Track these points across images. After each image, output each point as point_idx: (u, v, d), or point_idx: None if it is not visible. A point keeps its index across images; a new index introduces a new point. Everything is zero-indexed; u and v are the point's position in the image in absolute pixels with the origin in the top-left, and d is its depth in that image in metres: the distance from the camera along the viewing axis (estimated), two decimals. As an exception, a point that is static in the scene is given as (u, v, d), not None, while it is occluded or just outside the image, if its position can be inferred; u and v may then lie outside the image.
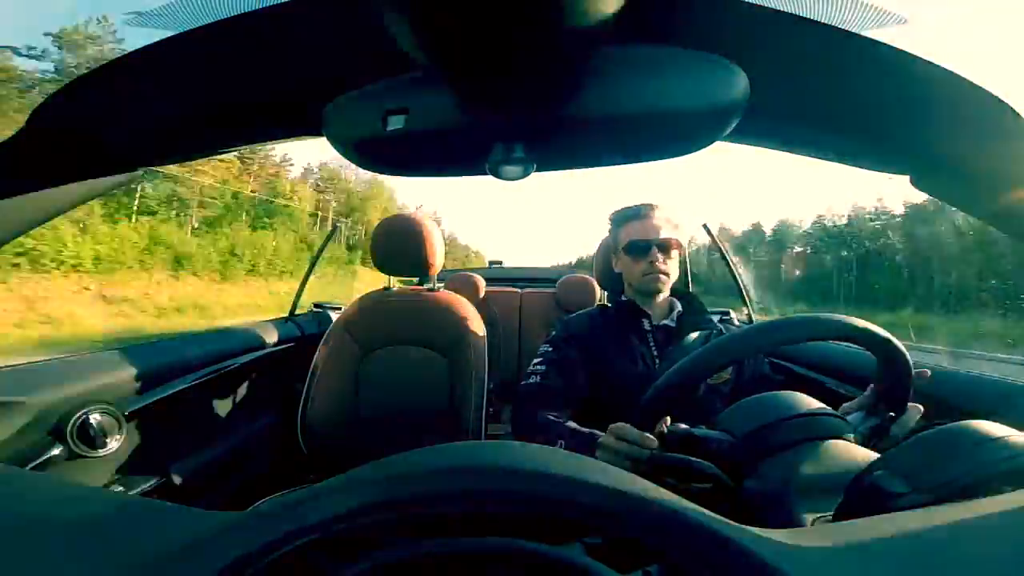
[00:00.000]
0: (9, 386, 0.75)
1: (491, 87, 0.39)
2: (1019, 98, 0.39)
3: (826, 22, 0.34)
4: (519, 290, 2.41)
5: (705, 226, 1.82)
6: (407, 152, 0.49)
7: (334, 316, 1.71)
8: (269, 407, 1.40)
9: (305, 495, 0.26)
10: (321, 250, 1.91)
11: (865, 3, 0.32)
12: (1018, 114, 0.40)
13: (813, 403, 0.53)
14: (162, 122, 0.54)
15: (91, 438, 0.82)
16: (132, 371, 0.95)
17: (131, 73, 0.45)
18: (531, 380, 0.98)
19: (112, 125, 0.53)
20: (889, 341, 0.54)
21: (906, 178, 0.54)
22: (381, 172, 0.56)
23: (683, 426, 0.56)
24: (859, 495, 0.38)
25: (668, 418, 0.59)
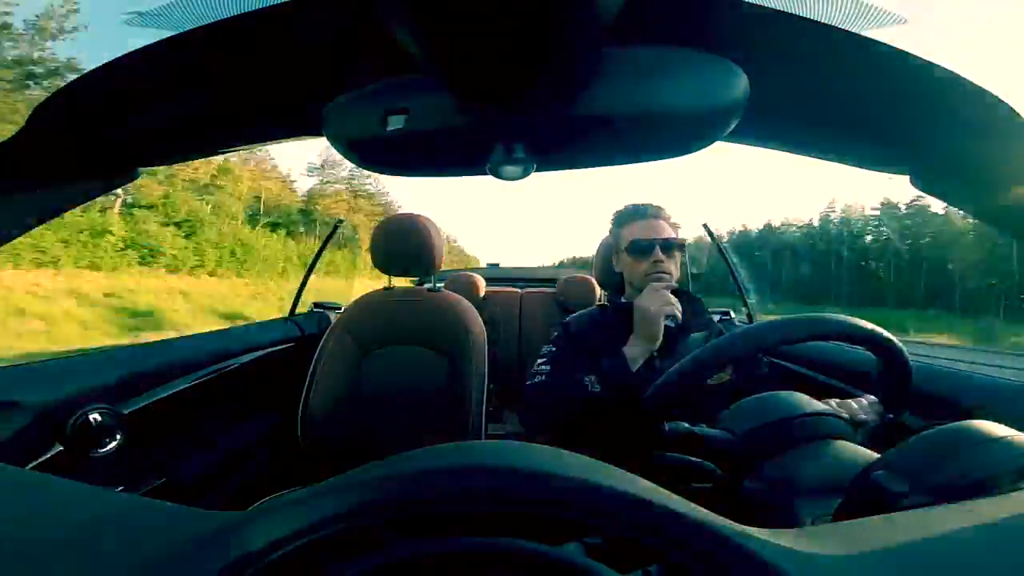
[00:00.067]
0: (8, 386, 0.75)
1: (491, 87, 0.39)
2: (1019, 98, 0.39)
3: (826, 22, 0.34)
4: (519, 290, 2.41)
5: (705, 226, 1.82)
6: (407, 152, 0.49)
7: (334, 316, 1.71)
8: (269, 407, 1.40)
9: (305, 495, 0.26)
10: (322, 249, 1.91)
11: (865, 3, 0.32)
12: (1018, 114, 0.40)
13: (814, 403, 0.53)
14: (162, 122, 0.54)
15: (91, 438, 0.82)
16: (132, 371, 0.95)
17: (131, 73, 0.45)
18: (536, 380, 0.98)
19: (112, 125, 0.53)
20: (890, 341, 0.54)
21: (906, 178, 0.54)
22: (381, 172, 0.55)
23: (684, 425, 0.56)
24: (859, 495, 0.38)
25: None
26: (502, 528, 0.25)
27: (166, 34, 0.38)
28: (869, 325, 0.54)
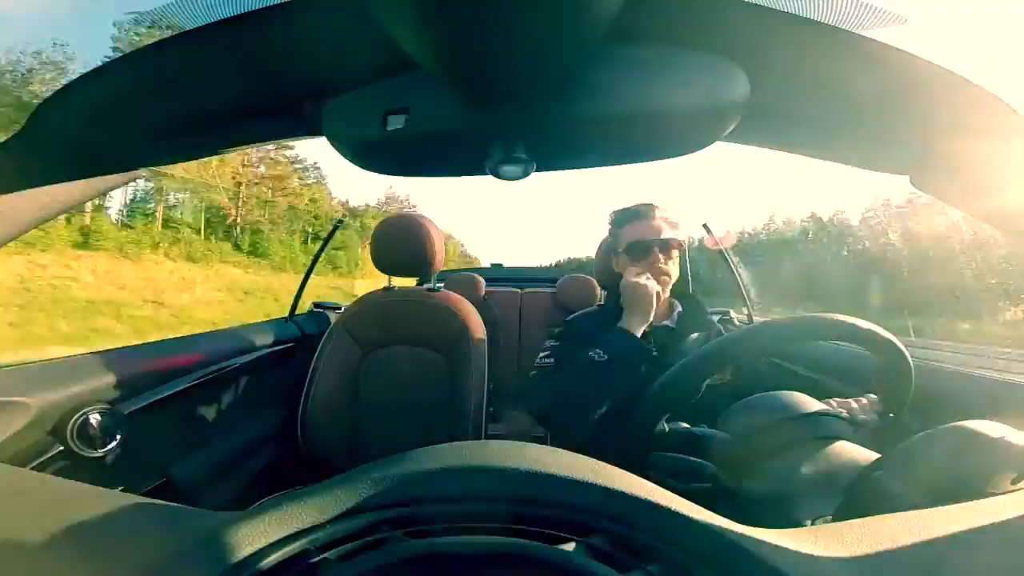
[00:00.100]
0: (9, 386, 0.75)
1: (491, 87, 0.39)
2: (1019, 98, 0.39)
3: (826, 22, 0.34)
4: (519, 290, 2.41)
5: (705, 226, 1.82)
6: (407, 152, 0.49)
7: (334, 316, 1.71)
8: (269, 407, 1.40)
9: (305, 495, 0.26)
10: (322, 249, 1.91)
11: (865, 3, 0.32)
12: (1018, 114, 0.40)
13: (813, 403, 0.53)
14: (162, 122, 0.54)
15: (91, 438, 0.82)
16: (132, 371, 0.95)
17: (131, 73, 0.45)
18: (539, 371, 0.99)
19: (112, 125, 0.53)
20: (890, 342, 0.54)
21: (906, 178, 0.54)
22: (381, 172, 0.55)
23: (684, 425, 0.56)
24: (859, 495, 0.38)
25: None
26: (502, 528, 0.25)
27: (166, 34, 0.38)
28: (870, 325, 0.54)
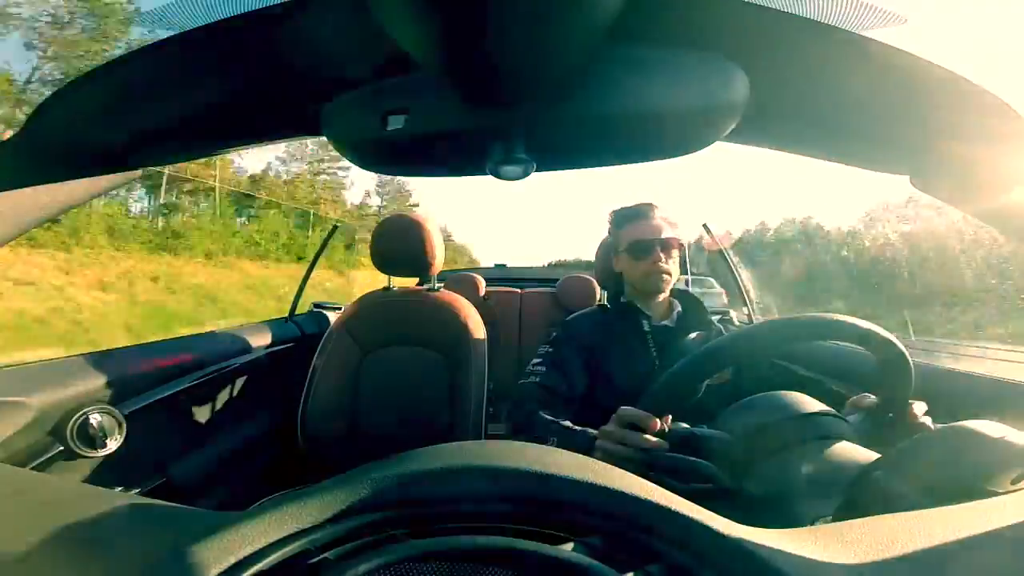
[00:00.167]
0: (9, 386, 0.75)
1: (491, 87, 0.39)
2: (1019, 98, 0.39)
3: (826, 22, 0.34)
4: (519, 290, 2.41)
5: (705, 226, 1.82)
6: (407, 152, 0.49)
7: (334, 316, 1.71)
8: (269, 407, 1.40)
9: (305, 495, 0.26)
10: (320, 251, 1.91)
11: (865, 3, 0.32)
12: (1018, 114, 0.40)
13: (814, 403, 0.53)
14: (162, 122, 0.54)
15: (91, 438, 0.82)
16: (132, 371, 0.95)
17: (131, 73, 0.45)
18: (529, 380, 0.98)
19: (112, 125, 0.53)
20: (890, 342, 0.54)
21: (906, 178, 0.54)
22: (381, 172, 0.56)
23: (684, 425, 0.56)
24: (860, 495, 0.38)
25: (668, 417, 0.59)
26: (502, 528, 0.25)
27: (166, 34, 0.38)
28: (871, 326, 0.54)
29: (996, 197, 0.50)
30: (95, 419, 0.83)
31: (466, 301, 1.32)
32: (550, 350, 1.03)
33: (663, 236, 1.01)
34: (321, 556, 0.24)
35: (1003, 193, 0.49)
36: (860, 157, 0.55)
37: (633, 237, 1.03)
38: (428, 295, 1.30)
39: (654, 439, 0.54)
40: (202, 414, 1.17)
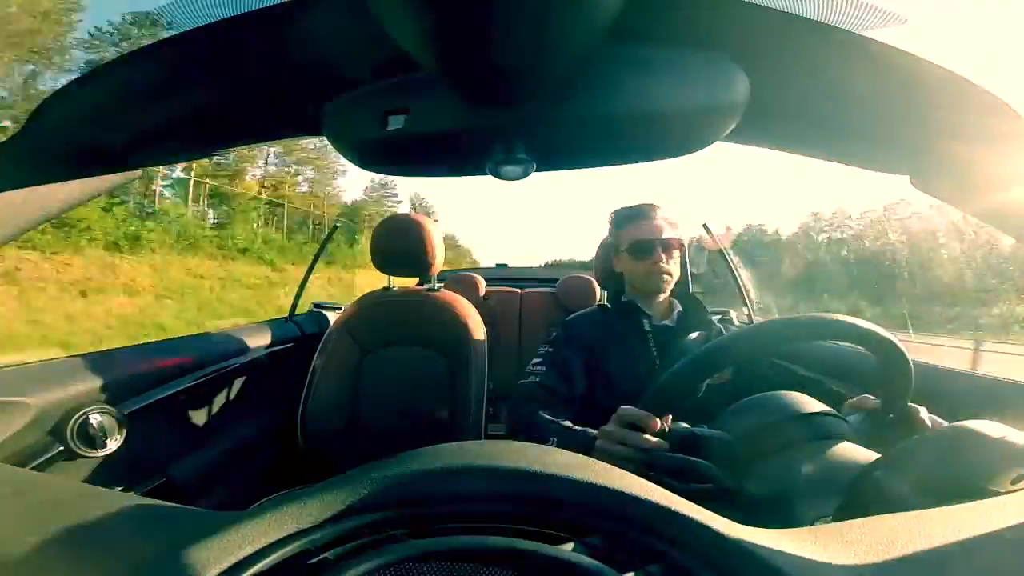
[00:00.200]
0: (9, 386, 0.75)
1: (491, 87, 0.39)
2: (1019, 98, 0.39)
3: (826, 22, 0.34)
4: (519, 290, 2.41)
5: (705, 225, 1.82)
6: (407, 152, 0.49)
7: (333, 316, 1.71)
8: (269, 407, 1.40)
9: (305, 495, 0.26)
10: (320, 251, 1.91)
11: (865, 3, 0.32)
12: (1018, 114, 0.40)
13: (814, 403, 0.53)
14: (162, 122, 0.54)
15: (91, 438, 0.82)
16: (132, 371, 0.95)
17: (130, 73, 0.45)
18: (529, 380, 0.98)
19: (112, 125, 0.53)
20: (890, 342, 0.54)
21: (906, 178, 0.54)
22: (381, 172, 0.56)
23: (684, 425, 0.56)
24: (860, 495, 0.38)
25: (668, 417, 0.59)
26: (502, 528, 0.25)
27: (166, 34, 0.38)
28: (869, 325, 0.54)
29: (996, 197, 0.50)
30: (95, 419, 0.83)
31: (466, 301, 1.32)
32: (550, 350, 1.03)
33: (664, 236, 1.01)
34: (321, 556, 0.24)
35: (1003, 193, 0.49)
36: (860, 157, 0.55)
37: (634, 237, 1.03)
38: (428, 295, 1.30)
39: (654, 439, 0.54)
40: (202, 414, 1.17)
